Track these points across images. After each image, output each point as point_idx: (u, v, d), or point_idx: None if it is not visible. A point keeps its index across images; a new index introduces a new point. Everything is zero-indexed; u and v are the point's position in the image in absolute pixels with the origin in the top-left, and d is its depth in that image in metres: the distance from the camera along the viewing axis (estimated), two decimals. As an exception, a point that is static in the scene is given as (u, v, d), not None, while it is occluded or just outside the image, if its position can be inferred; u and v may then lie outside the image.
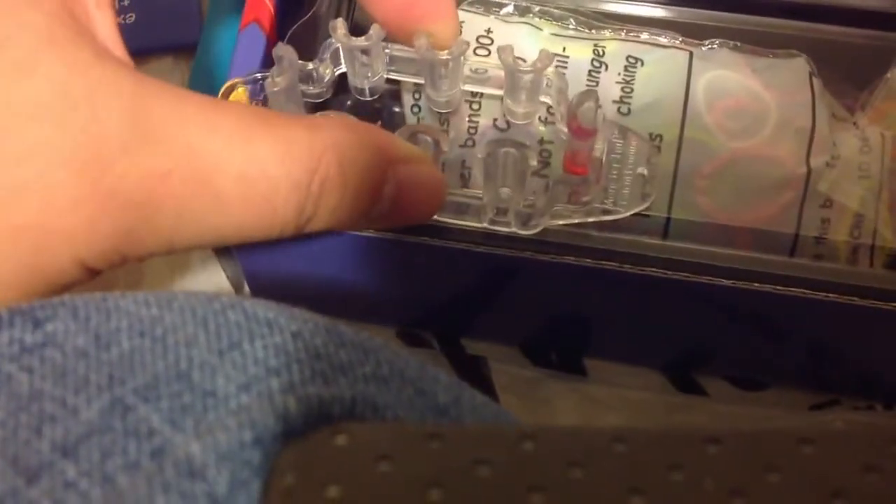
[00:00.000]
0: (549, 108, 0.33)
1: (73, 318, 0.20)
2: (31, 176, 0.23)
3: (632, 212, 0.32)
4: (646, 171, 0.32)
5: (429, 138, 0.31)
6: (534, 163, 0.30)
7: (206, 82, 0.38)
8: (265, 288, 0.37)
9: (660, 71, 0.35)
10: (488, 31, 0.35)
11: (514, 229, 0.32)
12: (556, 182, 0.32)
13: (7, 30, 0.23)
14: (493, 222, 0.32)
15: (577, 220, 0.32)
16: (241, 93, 0.32)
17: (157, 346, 0.20)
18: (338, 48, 0.33)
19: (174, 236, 0.25)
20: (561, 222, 0.32)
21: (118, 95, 0.24)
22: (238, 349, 0.20)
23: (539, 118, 0.34)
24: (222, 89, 0.32)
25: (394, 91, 0.35)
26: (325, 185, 0.27)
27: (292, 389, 0.19)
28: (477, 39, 0.35)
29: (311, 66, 0.33)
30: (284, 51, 0.31)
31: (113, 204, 0.24)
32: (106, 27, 0.26)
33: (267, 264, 0.35)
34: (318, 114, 0.32)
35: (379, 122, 0.35)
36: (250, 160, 0.25)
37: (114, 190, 0.23)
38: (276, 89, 0.31)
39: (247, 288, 0.39)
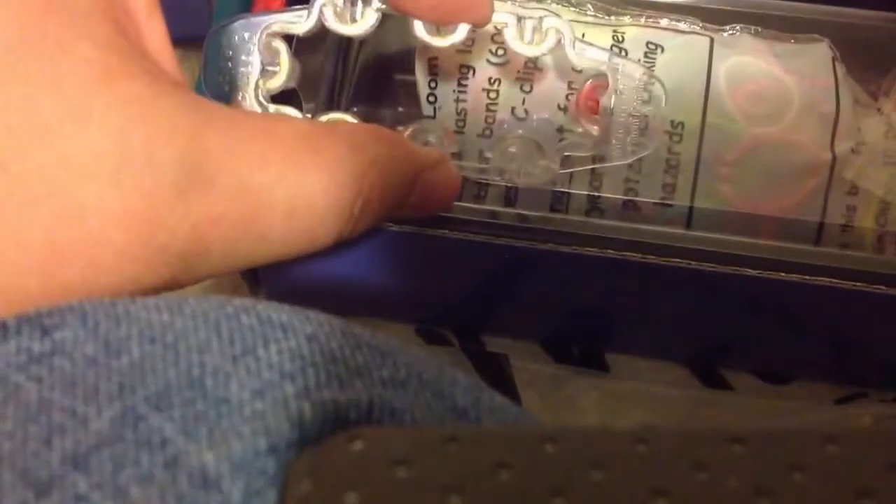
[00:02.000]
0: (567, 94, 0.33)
1: (81, 326, 0.20)
2: (80, 234, 0.22)
3: (632, 159, 0.32)
4: (648, 112, 0.32)
5: (433, 139, 0.32)
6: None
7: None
8: (282, 287, 0.36)
9: (680, 57, 0.34)
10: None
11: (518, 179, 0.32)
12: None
13: (62, 68, 0.22)
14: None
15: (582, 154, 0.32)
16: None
17: (168, 352, 0.20)
18: None
19: (213, 272, 0.25)
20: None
21: (174, 136, 0.23)
22: (252, 354, 0.20)
23: (558, 106, 0.34)
24: None
25: (410, 82, 0.35)
26: (365, 207, 0.27)
27: (307, 394, 0.19)
28: (494, 26, 0.34)
29: None
30: None
31: (161, 258, 0.23)
32: (157, 40, 0.26)
33: (284, 264, 0.35)
34: (331, 117, 0.32)
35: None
36: (298, 194, 0.25)
37: (164, 245, 0.23)
38: None
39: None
